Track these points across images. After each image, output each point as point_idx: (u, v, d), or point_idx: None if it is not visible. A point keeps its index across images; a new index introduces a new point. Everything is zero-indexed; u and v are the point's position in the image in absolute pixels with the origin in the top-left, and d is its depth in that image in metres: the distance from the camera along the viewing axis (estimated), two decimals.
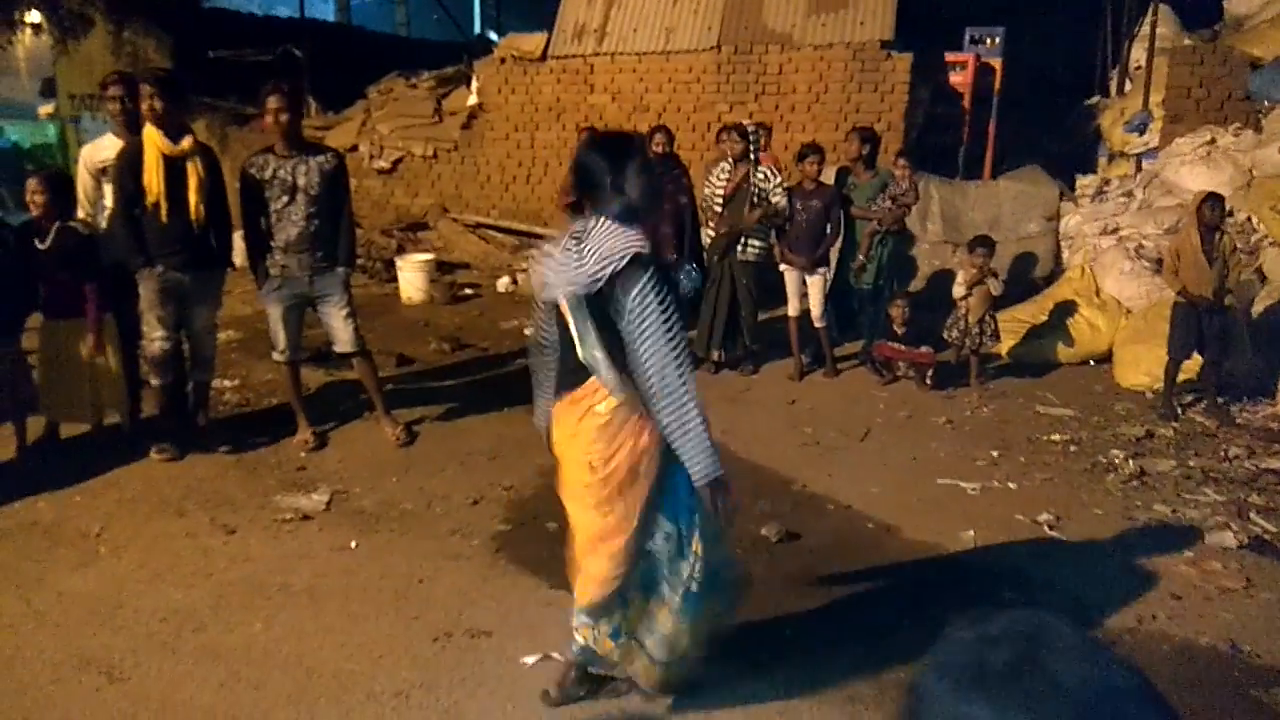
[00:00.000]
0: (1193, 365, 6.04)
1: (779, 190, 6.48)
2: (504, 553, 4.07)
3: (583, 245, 2.55)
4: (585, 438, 2.68)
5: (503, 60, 11.07)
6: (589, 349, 2.63)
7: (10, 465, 4.89)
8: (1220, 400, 5.96)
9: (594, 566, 2.76)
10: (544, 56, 10.79)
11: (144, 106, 4.71)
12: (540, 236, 10.69)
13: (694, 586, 2.73)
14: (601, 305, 2.53)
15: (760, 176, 6.50)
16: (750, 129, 6.65)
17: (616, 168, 2.58)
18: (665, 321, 2.47)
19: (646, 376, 2.51)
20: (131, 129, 4.92)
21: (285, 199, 4.87)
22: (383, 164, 11.68)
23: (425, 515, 4.46)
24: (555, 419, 2.83)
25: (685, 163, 7.46)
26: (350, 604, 3.63)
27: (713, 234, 6.68)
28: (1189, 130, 8.18)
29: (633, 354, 2.52)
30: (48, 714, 2.95)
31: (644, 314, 2.47)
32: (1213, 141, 7.88)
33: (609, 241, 2.52)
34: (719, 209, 6.59)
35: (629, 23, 10.59)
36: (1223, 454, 5.30)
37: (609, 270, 2.49)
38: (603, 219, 2.58)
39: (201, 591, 3.71)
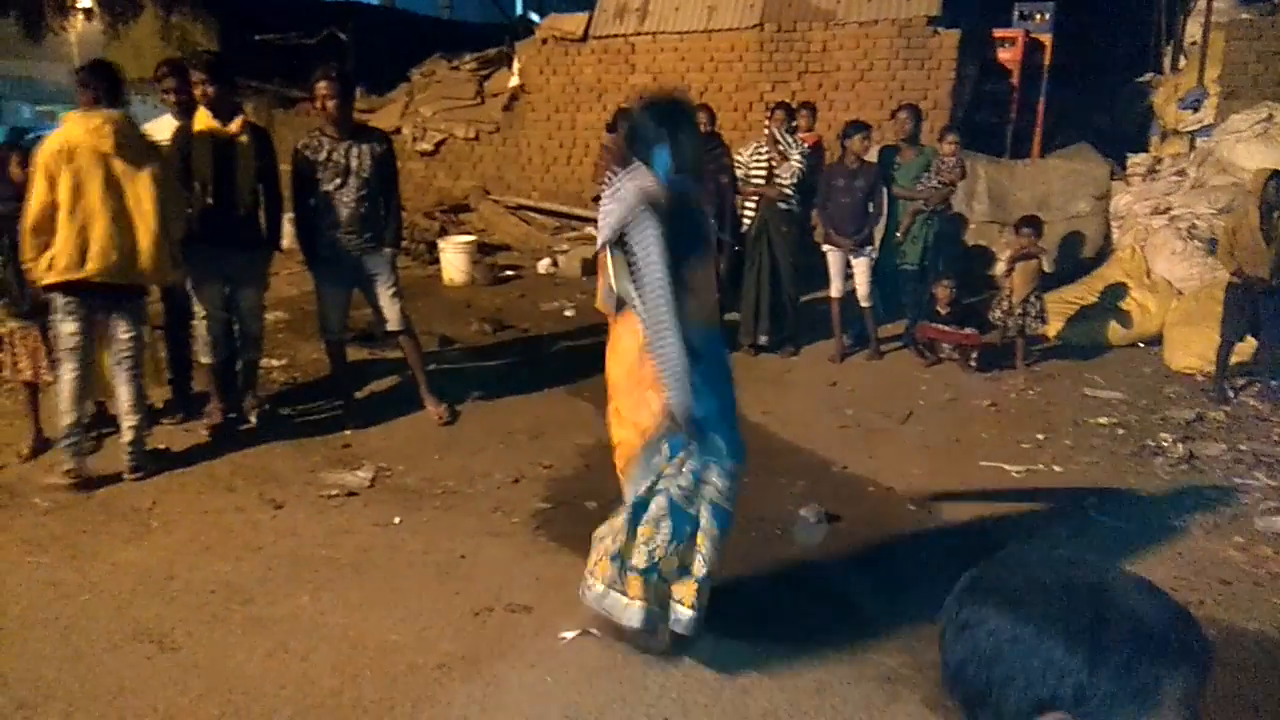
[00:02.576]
0: (1245, 348, 5.90)
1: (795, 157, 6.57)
2: (544, 530, 4.11)
3: (617, 190, 2.85)
4: (622, 352, 2.99)
5: (544, 41, 11.06)
6: (621, 282, 2.91)
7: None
8: (1273, 383, 5.81)
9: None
10: (585, 37, 10.77)
11: (201, 90, 4.79)
12: (581, 218, 10.71)
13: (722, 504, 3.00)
14: (625, 243, 2.82)
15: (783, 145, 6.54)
16: (794, 108, 6.66)
17: (666, 125, 2.83)
18: (653, 262, 2.74)
19: (642, 309, 2.81)
20: (187, 115, 5.00)
21: (338, 181, 4.94)
22: (425, 146, 11.76)
23: (467, 493, 4.52)
24: (610, 333, 3.09)
25: (727, 142, 7.41)
26: (394, 578, 3.69)
27: (751, 214, 6.65)
28: (1245, 107, 7.95)
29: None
30: (102, 681, 3.04)
31: (641, 252, 2.75)
32: (1270, 118, 7.65)
33: (630, 184, 2.81)
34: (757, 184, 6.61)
35: (671, 1, 10.53)
36: (1275, 438, 5.18)
37: (626, 213, 2.78)
38: (640, 167, 2.84)
39: (250, 565, 3.80)
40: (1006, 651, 0.86)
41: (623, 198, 2.81)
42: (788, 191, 6.54)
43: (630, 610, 3.01)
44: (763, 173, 6.54)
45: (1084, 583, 0.87)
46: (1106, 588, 0.86)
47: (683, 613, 3.02)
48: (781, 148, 6.53)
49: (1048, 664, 0.84)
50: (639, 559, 2.99)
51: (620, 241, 2.83)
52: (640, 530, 2.99)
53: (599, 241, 2.98)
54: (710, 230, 3.10)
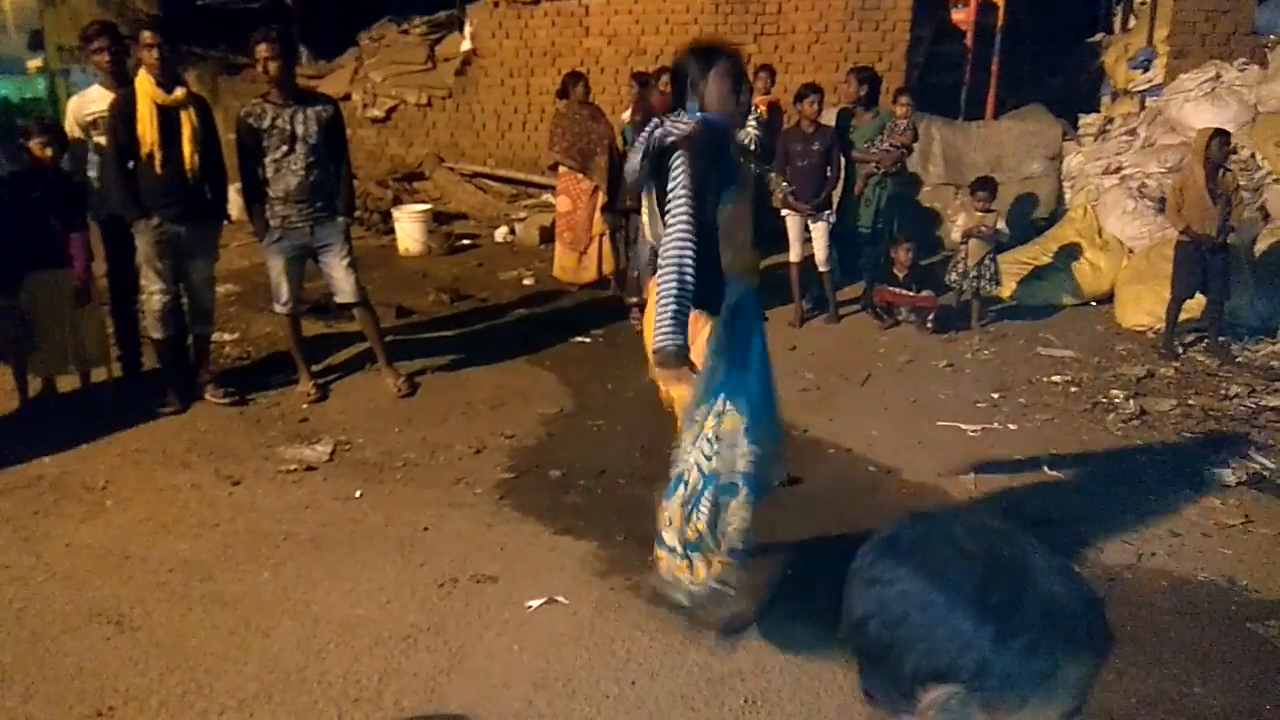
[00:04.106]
0: (1194, 305, 6.02)
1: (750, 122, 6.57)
2: (507, 500, 4.10)
3: (651, 131, 2.94)
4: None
5: (496, 4, 10.85)
6: (655, 227, 2.96)
7: (13, 421, 4.90)
8: (1221, 339, 5.94)
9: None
10: None
11: (149, 55, 4.61)
12: (538, 185, 10.59)
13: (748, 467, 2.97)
14: (661, 189, 2.87)
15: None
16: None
17: (702, 70, 2.89)
18: (677, 200, 2.78)
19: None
20: (120, 80, 4.84)
21: (284, 149, 4.82)
22: (376, 113, 11.52)
23: (428, 464, 4.48)
24: (648, 291, 3.08)
25: None
26: (356, 552, 3.66)
27: None
28: (1194, 66, 8.05)
29: None
30: (60, 663, 2.99)
31: (670, 185, 2.80)
32: (1218, 77, 7.77)
33: (667, 126, 2.89)
34: None
35: None
36: (1223, 393, 5.31)
37: (659, 146, 2.86)
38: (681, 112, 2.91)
39: (208, 542, 3.74)
40: (914, 615, 0.84)
41: (659, 132, 2.89)
42: (750, 161, 6.53)
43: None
44: None
45: (1006, 558, 0.85)
46: (1027, 567, 0.85)
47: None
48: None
49: (954, 635, 0.83)
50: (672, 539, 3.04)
51: (653, 182, 2.89)
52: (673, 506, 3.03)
53: (630, 173, 3.08)
54: (747, 175, 3.14)
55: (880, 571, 0.89)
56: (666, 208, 2.80)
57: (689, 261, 2.75)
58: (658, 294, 2.77)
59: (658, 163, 2.88)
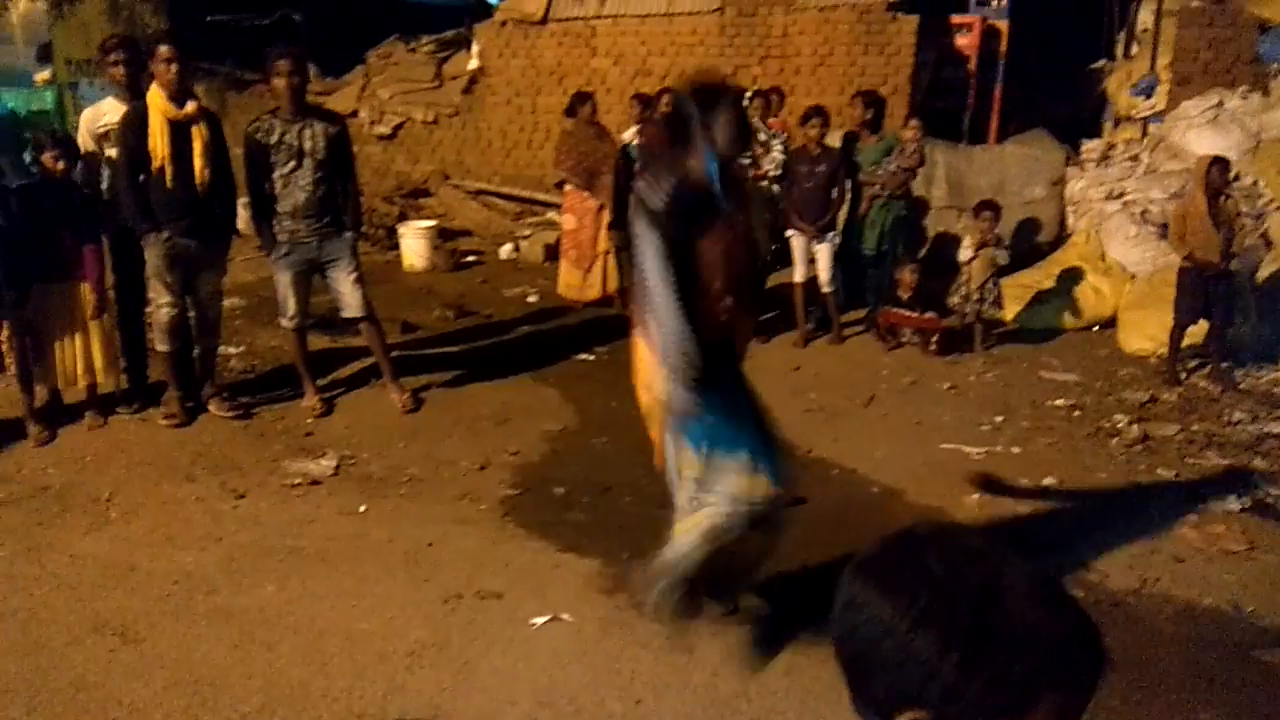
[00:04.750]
0: (1196, 330, 6.03)
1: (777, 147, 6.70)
2: (511, 517, 4.10)
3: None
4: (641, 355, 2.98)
5: (503, 23, 10.95)
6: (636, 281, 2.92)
7: (19, 431, 4.90)
8: (1224, 365, 5.95)
9: None
10: (545, 19, 10.68)
11: (165, 70, 4.64)
12: (543, 203, 10.64)
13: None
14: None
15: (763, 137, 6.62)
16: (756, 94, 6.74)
17: (708, 111, 2.81)
18: (648, 269, 2.72)
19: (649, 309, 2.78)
20: (134, 94, 4.88)
21: (292, 164, 4.85)
22: (383, 130, 11.61)
23: (433, 480, 4.49)
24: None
25: None
26: (361, 567, 3.66)
27: None
28: (1196, 93, 8.12)
29: None
30: (63, 674, 2.99)
31: (640, 261, 2.75)
32: (1220, 104, 7.82)
33: (636, 194, 2.83)
34: None
35: None
36: (1226, 419, 5.31)
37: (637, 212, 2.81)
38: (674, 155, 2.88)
39: (213, 555, 3.75)
40: (881, 640, 0.84)
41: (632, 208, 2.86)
42: (774, 184, 6.61)
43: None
44: (745, 163, 6.56)
45: (976, 582, 0.83)
46: (1000, 591, 0.82)
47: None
48: (763, 137, 6.58)
49: (917, 662, 0.81)
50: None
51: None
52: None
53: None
54: (733, 212, 2.95)
55: (854, 594, 0.89)
56: (644, 282, 2.75)
57: (675, 320, 2.70)
58: (663, 357, 2.73)
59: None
